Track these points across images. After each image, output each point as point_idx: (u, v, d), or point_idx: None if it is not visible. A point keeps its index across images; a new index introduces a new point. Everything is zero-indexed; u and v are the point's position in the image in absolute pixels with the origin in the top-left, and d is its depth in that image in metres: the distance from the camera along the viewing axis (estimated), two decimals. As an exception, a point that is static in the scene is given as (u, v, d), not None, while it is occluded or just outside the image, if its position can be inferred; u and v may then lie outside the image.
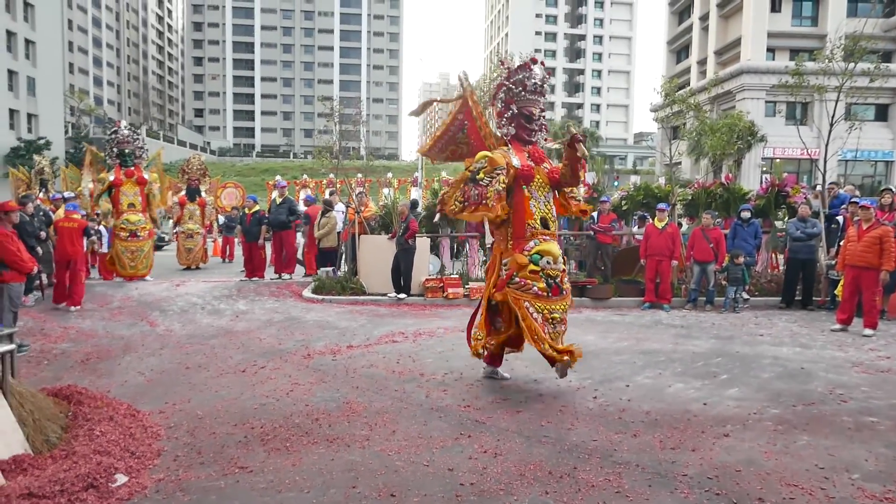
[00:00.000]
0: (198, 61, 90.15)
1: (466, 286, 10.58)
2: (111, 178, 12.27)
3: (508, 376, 5.89)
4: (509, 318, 5.52)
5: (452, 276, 11.18)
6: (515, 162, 5.44)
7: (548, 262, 5.33)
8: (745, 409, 5.02)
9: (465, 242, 12.18)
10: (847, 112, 12.23)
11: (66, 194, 13.12)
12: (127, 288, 11.15)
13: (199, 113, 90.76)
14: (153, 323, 8.66)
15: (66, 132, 50.79)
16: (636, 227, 12.16)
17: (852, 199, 9.99)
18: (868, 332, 7.96)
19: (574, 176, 5.52)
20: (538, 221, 5.45)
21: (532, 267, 5.29)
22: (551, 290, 5.30)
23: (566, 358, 5.24)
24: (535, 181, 5.49)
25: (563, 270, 5.47)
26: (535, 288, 5.28)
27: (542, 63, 5.78)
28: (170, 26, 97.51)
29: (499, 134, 5.80)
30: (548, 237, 5.47)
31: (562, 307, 5.37)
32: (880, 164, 34.59)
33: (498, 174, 5.32)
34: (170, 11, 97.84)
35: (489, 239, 10.24)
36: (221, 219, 17.98)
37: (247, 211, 12.68)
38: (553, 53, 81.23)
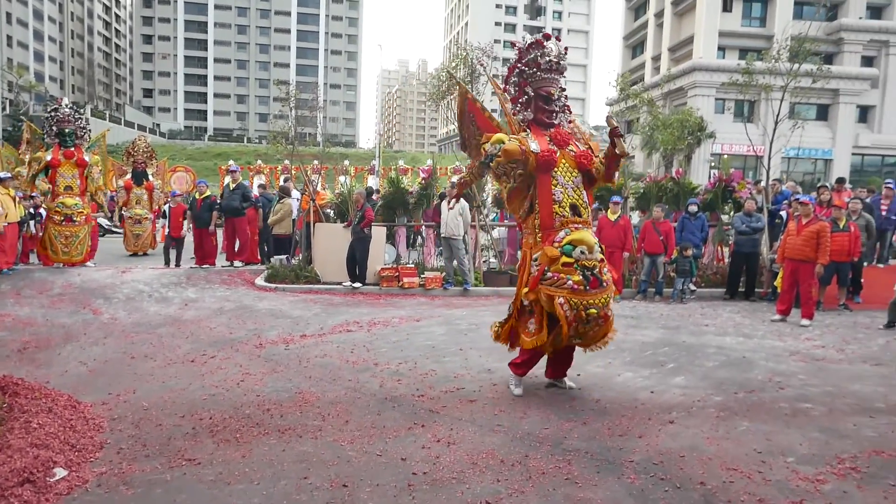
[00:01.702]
0: (147, 39, 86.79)
1: (422, 276, 10.58)
2: (48, 157, 11.71)
3: (519, 392, 5.17)
4: (541, 320, 4.95)
5: (408, 265, 11.16)
6: (534, 147, 4.94)
7: (582, 252, 4.76)
8: (689, 396, 5.19)
9: (420, 232, 12.16)
10: (791, 111, 12.71)
11: (2, 174, 12.48)
12: (69, 274, 10.70)
13: (148, 93, 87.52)
14: (97, 311, 8.35)
15: (4, 109, 48.17)
16: (590, 218, 12.36)
17: (793, 196, 10.42)
18: (805, 322, 8.34)
19: (608, 173, 5.15)
20: (567, 209, 4.93)
21: (565, 259, 4.76)
22: (589, 283, 4.73)
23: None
24: (559, 166, 4.99)
25: (602, 260, 4.91)
26: (571, 282, 4.72)
27: (558, 38, 5.23)
28: (118, 1, 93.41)
29: (517, 119, 5.28)
30: (580, 225, 4.93)
31: (601, 301, 4.79)
32: (820, 162, 36.14)
33: (512, 167, 4.90)
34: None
35: (444, 229, 10.27)
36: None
37: (197, 196, 12.33)
38: (512, 44, 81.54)
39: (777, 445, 4.16)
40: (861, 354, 6.79)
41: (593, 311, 4.75)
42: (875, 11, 36.09)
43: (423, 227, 11.92)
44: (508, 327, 5.28)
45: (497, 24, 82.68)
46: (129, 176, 14.94)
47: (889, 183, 11.75)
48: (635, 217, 12.69)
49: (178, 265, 12.27)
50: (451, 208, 10.30)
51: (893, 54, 35.29)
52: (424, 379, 5.58)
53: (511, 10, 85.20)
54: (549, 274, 4.82)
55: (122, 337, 7.01)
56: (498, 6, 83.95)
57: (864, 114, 36.23)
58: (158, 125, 76.62)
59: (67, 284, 9.92)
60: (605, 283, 4.85)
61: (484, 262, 11.70)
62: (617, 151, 4.94)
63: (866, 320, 8.76)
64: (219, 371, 5.73)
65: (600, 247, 4.99)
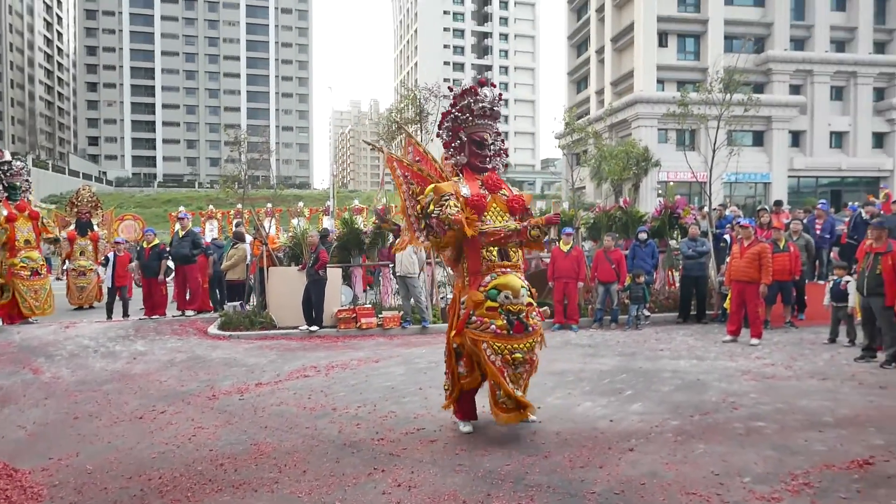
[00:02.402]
0: (92, 87, 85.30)
1: (380, 315, 10.49)
2: (4, 212, 11.30)
3: (468, 429, 5.13)
4: (471, 362, 5.00)
5: (366, 305, 11.06)
6: (465, 191, 5.02)
7: (506, 297, 4.79)
8: (647, 422, 5.24)
9: (377, 271, 12.10)
10: (728, 138, 13.33)
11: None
12: (7, 332, 10.19)
13: (93, 141, 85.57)
14: (38, 370, 7.94)
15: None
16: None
17: (735, 219, 10.85)
18: (754, 341, 8.60)
19: (537, 245, 5.31)
20: (495, 253, 4.98)
21: (489, 304, 4.80)
22: (513, 328, 4.77)
23: (517, 413, 4.84)
24: (490, 210, 5.05)
25: (530, 304, 4.92)
26: (494, 326, 4.76)
27: (493, 84, 5.38)
28: (60, 50, 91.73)
29: (450, 164, 5.38)
30: (507, 269, 4.96)
31: (526, 346, 4.83)
32: (759, 186, 37.85)
33: (448, 199, 4.90)
34: (59, 34, 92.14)
35: (399, 268, 10.26)
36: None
37: (145, 245, 12.02)
38: (461, 83, 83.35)
39: (733, 466, 4.23)
40: (808, 370, 7.03)
41: (518, 355, 4.78)
42: (798, 43, 38.51)
43: (379, 266, 11.87)
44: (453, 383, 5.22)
45: (446, 63, 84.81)
46: (72, 227, 14.47)
47: (822, 203, 12.39)
48: (587, 246, 12.94)
49: (125, 316, 11.85)
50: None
51: (818, 82, 37.60)
52: (384, 421, 5.48)
53: (459, 49, 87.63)
54: (474, 318, 4.85)
55: (65, 396, 6.67)
56: (446, 46, 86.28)
57: (797, 138, 38.30)
58: (105, 173, 74.76)
59: (6, 343, 9.44)
60: (530, 328, 4.86)
61: (441, 298, 11.70)
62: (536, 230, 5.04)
63: (811, 336, 9.09)
64: (169, 427, 5.50)
65: (529, 290, 5.00)
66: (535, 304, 5.02)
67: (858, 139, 38.11)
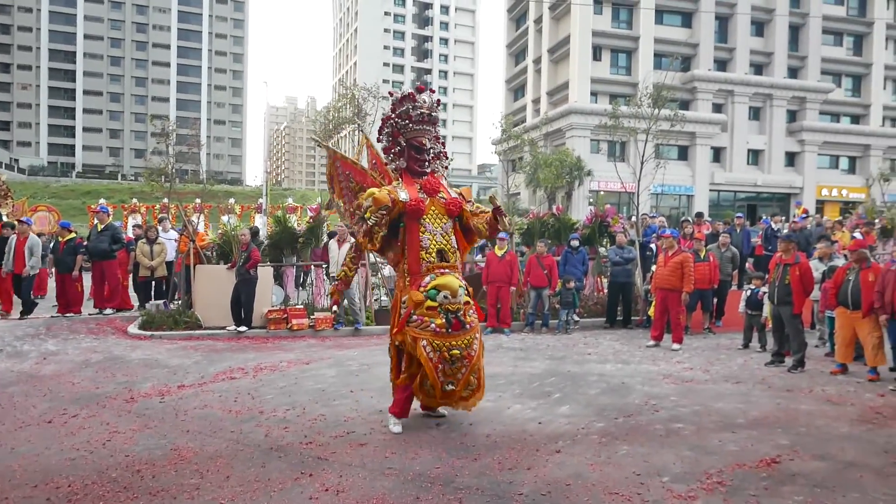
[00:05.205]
0: (4, 68, 79.58)
1: (312, 317, 10.29)
2: None
3: (398, 430, 5.18)
4: (410, 359, 5.19)
5: (297, 306, 10.82)
6: (403, 196, 5.17)
7: (445, 297, 4.97)
8: (574, 424, 5.38)
9: (309, 271, 11.86)
10: (655, 152, 13.90)
11: None
12: None
13: (4, 126, 79.82)
14: (-68, 371, 7.32)
15: None
16: (478, 255, 12.70)
17: (660, 229, 11.31)
18: (676, 346, 8.99)
19: (491, 236, 5.50)
20: (434, 255, 5.18)
21: (429, 303, 4.98)
22: (451, 326, 4.95)
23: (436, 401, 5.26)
24: (428, 213, 5.24)
25: (467, 303, 5.11)
26: (433, 325, 4.94)
27: (432, 90, 5.56)
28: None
29: (390, 168, 5.58)
30: (446, 270, 5.16)
31: (463, 342, 5.01)
32: (683, 198, 39.67)
33: (382, 214, 5.07)
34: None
35: (333, 268, 10.11)
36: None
37: (60, 239, 11.31)
38: (401, 84, 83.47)
39: (653, 466, 4.40)
40: (724, 374, 7.41)
41: (455, 351, 4.97)
42: (721, 64, 40.67)
43: (312, 266, 11.64)
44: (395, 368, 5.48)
45: (385, 64, 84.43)
46: (-23, 217, 13.44)
47: (739, 216, 13.12)
48: (524, 252, 13.14)
49: None
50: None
51: (737, 102, 39.82)
52: (313, 425, 5.38)
53: (399, 51, 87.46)
54: (415, 317, 5.03)
55: (-36, 400, 6.17)
56: (386, 47, 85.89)
57: (718, 154, 40.39)
58: (17, 160, 69.89)
59: None
60: (467, 325, 5.06)
61: (375, 300, 11.62)
62: (500, 227, 5.22)
63: (727, 342, 9.61)
64: (81, 431, 5.19)
65: (466, 290, 5.18)
66: (471, 303, 5.21)
67: (773, 157, 40.61)
